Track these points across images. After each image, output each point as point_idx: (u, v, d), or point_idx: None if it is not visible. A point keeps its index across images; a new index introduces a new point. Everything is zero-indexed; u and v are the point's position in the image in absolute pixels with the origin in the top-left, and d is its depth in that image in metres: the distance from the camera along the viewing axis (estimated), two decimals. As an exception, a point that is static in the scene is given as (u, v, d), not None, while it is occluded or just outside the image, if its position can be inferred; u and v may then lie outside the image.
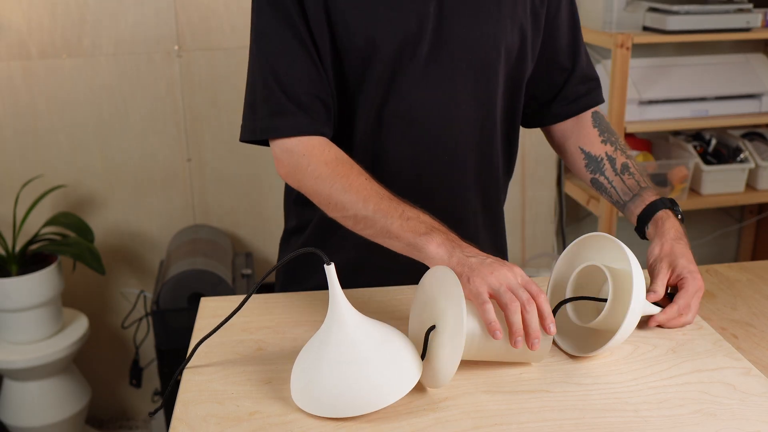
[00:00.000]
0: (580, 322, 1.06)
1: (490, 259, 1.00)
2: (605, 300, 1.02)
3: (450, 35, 1.18)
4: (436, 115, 1.20)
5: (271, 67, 1.16)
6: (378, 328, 0.95)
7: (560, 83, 1.32)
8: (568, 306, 1.07)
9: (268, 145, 1.19)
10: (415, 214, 1.07)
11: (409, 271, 1.12)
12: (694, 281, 1.12)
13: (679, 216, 1.22)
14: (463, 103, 1.21)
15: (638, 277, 1.00)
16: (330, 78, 1.18)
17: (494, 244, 1.37)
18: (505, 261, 1.01)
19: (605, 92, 2.37)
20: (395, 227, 1.06)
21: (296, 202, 1.33)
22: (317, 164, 1.13)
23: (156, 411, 1.02)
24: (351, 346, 0.92)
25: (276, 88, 1.15)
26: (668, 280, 1.13)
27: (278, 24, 1.15)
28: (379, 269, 1.25)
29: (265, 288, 2.50)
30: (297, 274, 1.35)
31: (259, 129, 1.17)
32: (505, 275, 0.98)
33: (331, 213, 1.14)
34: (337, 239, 1.24)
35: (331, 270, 0.93)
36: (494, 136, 1.26)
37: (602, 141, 1.32)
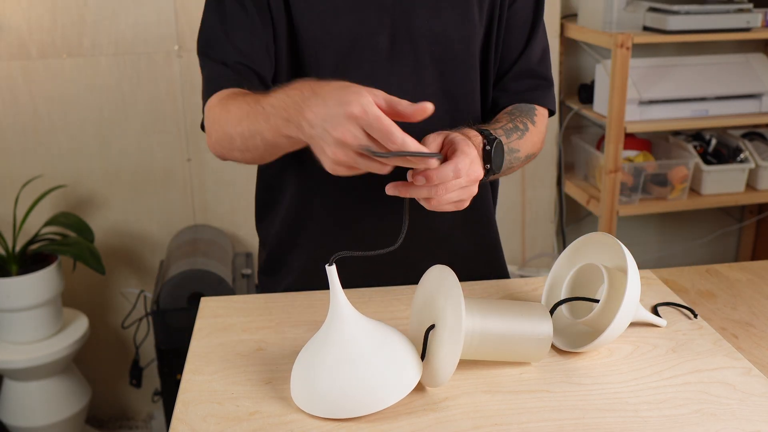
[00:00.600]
0: (574, 319, 1.06)
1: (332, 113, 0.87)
2: (598, 301, 1.03)
3: (411, 28, 1.15)
4: None
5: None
6: (378, 328, 0.95)
7: (500, 77, 1.27)
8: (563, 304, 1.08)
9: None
10: (273, 104, 0.99)
11: (406, 270, 1.10)
12: (468, 145, 1.00)
13: (487, 147, 1.08)
14: (430, 97, 1.15)
15: (633, 277, 1.00)
16: (272, 57, 1.16)
17: (485, 240, 1.35)
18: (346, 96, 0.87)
19: (605, 92, 2.37)
20: (264, 130, 1.00)
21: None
22: (209, 111, 1.12)
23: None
24: (351, 346, 0.92)
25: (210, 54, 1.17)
26: (441, 143, 1.02)
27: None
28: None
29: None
30: (275, 273, 1.34)
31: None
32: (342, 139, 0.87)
33: (234, 154, 1.10)
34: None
35: (332, 270, 0.93)
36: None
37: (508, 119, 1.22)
